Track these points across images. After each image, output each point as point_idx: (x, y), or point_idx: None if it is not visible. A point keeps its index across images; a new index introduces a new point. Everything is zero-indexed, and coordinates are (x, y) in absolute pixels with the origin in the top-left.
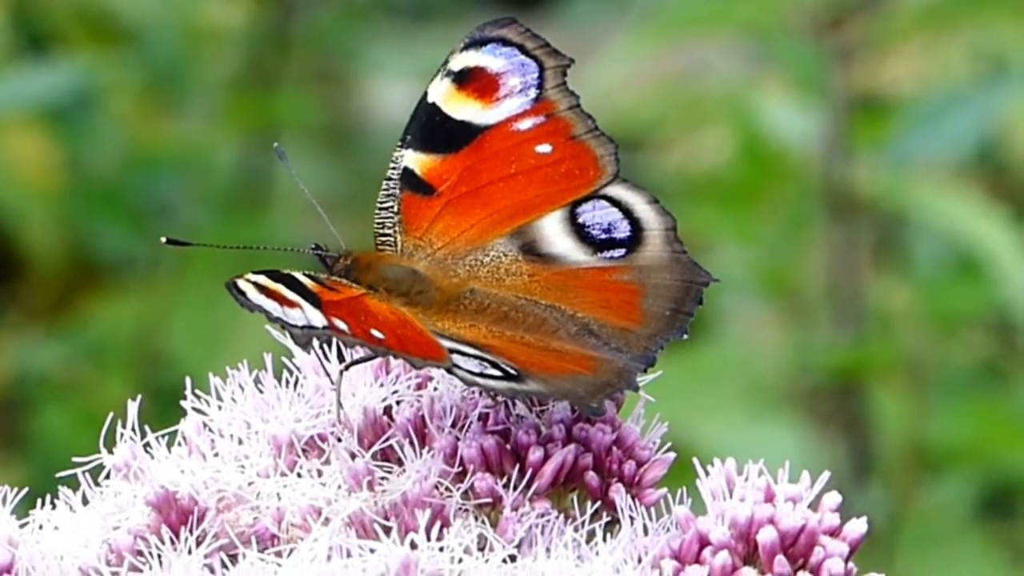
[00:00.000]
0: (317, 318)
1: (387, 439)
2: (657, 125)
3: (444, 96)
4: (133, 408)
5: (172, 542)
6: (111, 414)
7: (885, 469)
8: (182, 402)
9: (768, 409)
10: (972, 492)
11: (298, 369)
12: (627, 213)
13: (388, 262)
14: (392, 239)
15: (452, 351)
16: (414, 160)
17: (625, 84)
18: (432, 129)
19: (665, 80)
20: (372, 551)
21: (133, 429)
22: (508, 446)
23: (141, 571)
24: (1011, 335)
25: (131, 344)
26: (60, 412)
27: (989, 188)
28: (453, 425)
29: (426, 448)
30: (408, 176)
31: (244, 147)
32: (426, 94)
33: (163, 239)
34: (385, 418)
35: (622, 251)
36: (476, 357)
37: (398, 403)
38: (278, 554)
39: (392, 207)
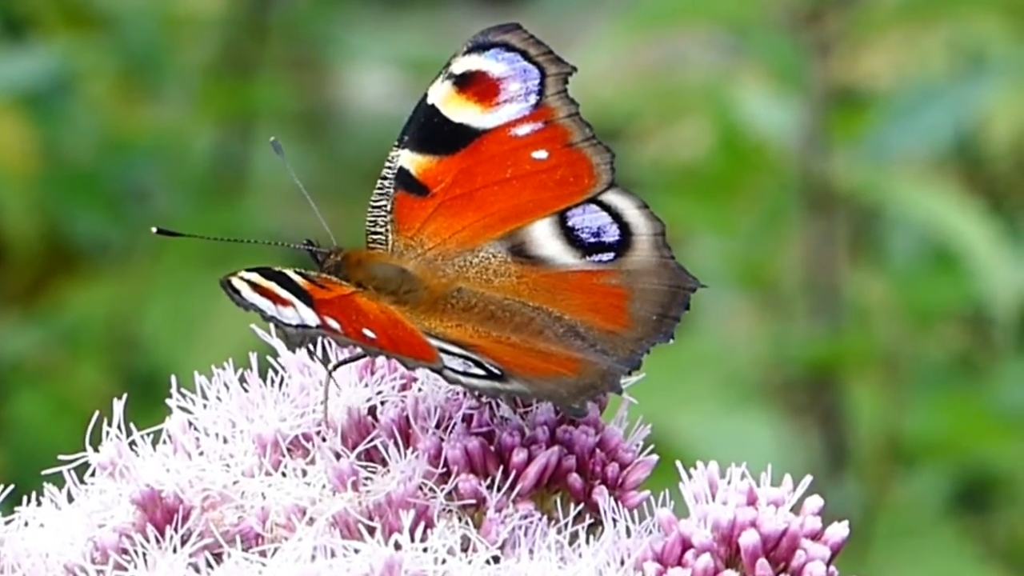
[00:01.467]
0: (310, 317)
1: (372, 439)
2: (634, 116)
3: (444, 98)
4: (119, 406)
5: (157, 540)
6: (89, 404)
7: (860, 462)
8: (161, 395)
9: (744, 401)
10: (946, 485)
11: (283, 368)
12: (616, 217)
13: (378, 260)
14: (383, 238)
15: (439, 350)
16: (410, 161)
17: (603, 76)
18: (430, 131)
19: (643, 72)
20: (356, 551)
21: (119, 426)
22: (492, 447)
23: (126, 569)
24: (986, 329)
25: (106, 330)
26: (34, 398)
27: (965, 182)
28: (437, 426)
29: (410, 449)
30: (403, 176)
31: (220, 134)
32: (426, 96)
33: (153, 229)
34: (369, 418)
35: (611, 255)
36: (461, 356)
37: (382, 403)
38: (262, 553)
39: (385, 206)
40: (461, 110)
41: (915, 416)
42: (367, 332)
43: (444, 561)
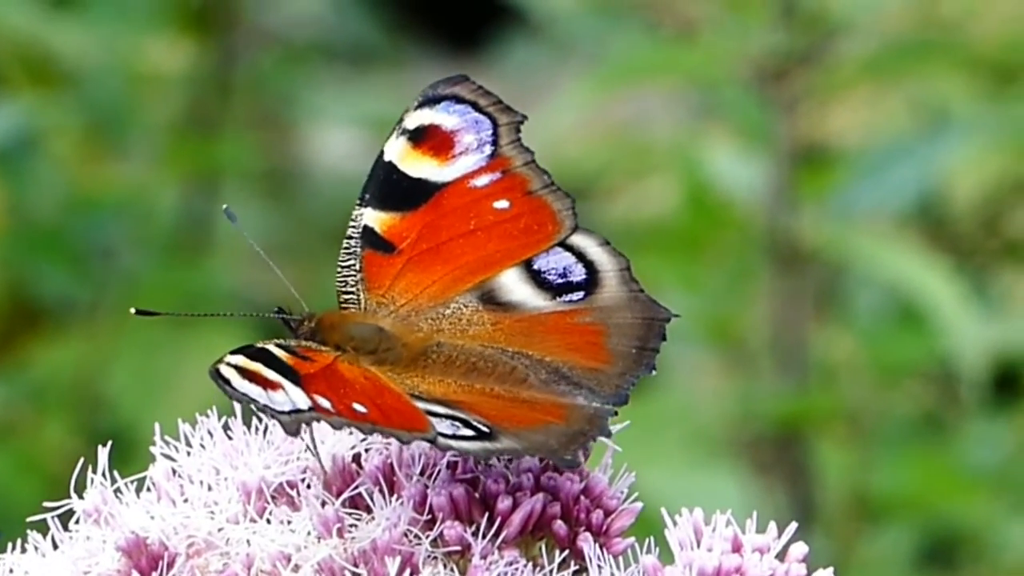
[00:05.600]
0: (301, 399)
1: (357, 487)
2: (602, 174)
3: (400, 154)
4: (103, 453)
5: None
6: (54, 462)
7: (827, 518)
8: (127, 453)
9: (711, 457)
10: (913, 542)
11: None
12: (580, 257)
13: (353, 320)
14: (355, 297)
15: (426, 413)
16: (374, 218)
17: (570, 133)
18: (390, 187)
19: (610, 129)
20: None
21: (103, 474)
22: (477, 494)
23: None
24: (952, 386)
25: (71, 388)
26: None
27: (929, 241)
28: (422, 473)
29: (395, 496)
30: (368, 234)
31: (185, 191)
32: (382, 153)
33: (132, 310)
34: (354, 466)
35: (580, 294)
36: (448, 416)
37: (367, 451)
38: None
39: (354, 265)
40: (418, 165)
41: (882, 473)
42: (357, 407)
43: None
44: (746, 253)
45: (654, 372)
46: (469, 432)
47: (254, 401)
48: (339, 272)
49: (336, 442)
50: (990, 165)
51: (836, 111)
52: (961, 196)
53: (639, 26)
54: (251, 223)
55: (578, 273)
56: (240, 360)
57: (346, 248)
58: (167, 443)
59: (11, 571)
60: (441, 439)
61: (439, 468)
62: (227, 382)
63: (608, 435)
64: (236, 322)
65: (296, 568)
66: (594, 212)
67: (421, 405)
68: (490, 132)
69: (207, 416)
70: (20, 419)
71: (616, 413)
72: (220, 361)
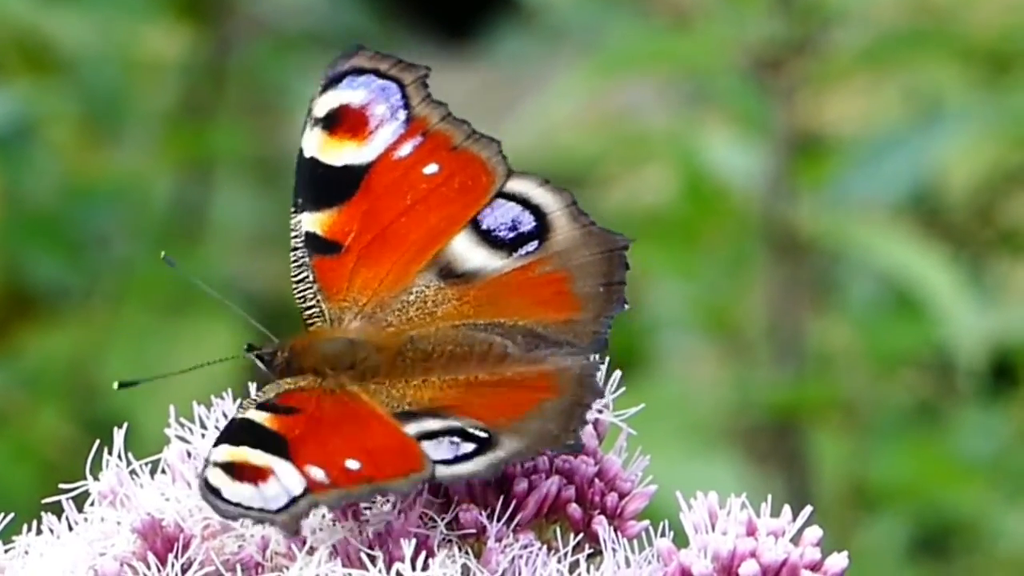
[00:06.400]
0: (294, 481)
1: None
2: (598, 163)
3: (319, 146)
4: (119, 435)
5: (158, 569)
6: (48, 450)
7: (823, 508)
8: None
9: (706, 447)
10: (909, 531)
11: None
12: (525, 203)
13: (322, 338)
14: (318, 309)
15: (419, 437)
16: (312, 221)
17: (565, 122)
18: (318, 184)
19: (605, 118)
20: None
21: (119, 456)
22: None
23: None
24: (949, 375)
25: (66, 375)
26: None
27: (924, 230)
28: None
29: None
30: (312, 240)
31: (180, 179)
32: (301, 151)
33: (115, 384)
34: None
35: (534, 243)
36: (444, 432)
37: None
38: None
39: (307, 276)
40: (339, 152)
41: (878, 462)
42: (350, 464)
43: None
44: (742, 241)
45: (626, 306)
46: (470, 447)
47: (248, 513)
48: (295, 287)
49: None
50: (985, 154)
51: (832, 100)
52: (956, 185)
53: (632, 15)
54: (244, 211)
55: (527, 222)
56: (225, 454)
57: (295, 261)
58: (181, 424)
59: (26, 553)
60: (441, 470)
61: None
62: (218, 495)
63: (601, 395)
64: (227, 313)
65: (311, 551)
66: (590, 201)
67: (413, 428)
68: (399, 96)
69: (200, 403)
70: (14, 407)
71: (602, 356)
72: (207, 464)
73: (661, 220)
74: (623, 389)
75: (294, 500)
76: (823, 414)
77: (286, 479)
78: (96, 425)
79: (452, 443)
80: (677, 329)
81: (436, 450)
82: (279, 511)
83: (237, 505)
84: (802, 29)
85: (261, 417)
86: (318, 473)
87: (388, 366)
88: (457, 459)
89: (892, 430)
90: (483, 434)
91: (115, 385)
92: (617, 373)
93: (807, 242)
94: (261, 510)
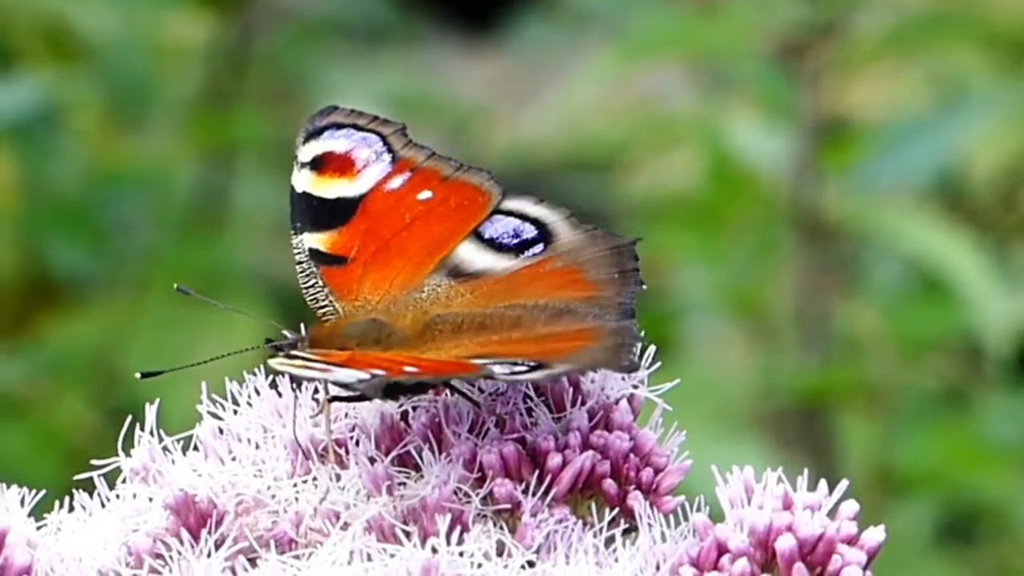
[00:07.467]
0: (357, 374)
1: (406, 444)
2: (624, 148)
3: (310, 184)
4: (152, 411)
5: (192, 545)
6: (72, 437)
7: (850, 492)
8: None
9: (734, 431)
10: (936, 516)
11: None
12: (524, 217)
13: (344, 323)
14: (331, 308)
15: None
16: (314, 240)
17: (591, 107)
18: (314, 212)
19: (630, 103)
20: (393, 555)
21: (151, 432)
22: (526, 452)
23: (160, 574)
24: (976, 360)
25: (90, 363)
26: (17, 430)
27: (948, 215)
28: (470, 431)
29: (444, 453)
30: (316, 254)
31: (203, 166)
32: (293, 187)
33: (137, 374)
34: (402, 424)
35: (540, 247)
36: (492, 363)
37: (414, 409)
38: (297, 557)
39: (316, 283)
40: (330, 187)
41: (904, 447)
42: (408, 368)
43: (480, 565)
44: (768, 226)
45: (644, 286)
46: (522, 368)
47: (336, 382)
48: (306, 292)
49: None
50: (1009, 141)
51: (857, 85)
52: (980, 171)
53: (656, 0)
54: (266, 198)
55: (529, 231)
56: (281, 363)
57: (302, 271)
58: (213, 401)
59: (58, 530)
60: (500, 371)
61: (487, 426)
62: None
63: (639, 340)
64: (252, 300)
65: (345, 526)
66: (616, 186)
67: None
68: (381, 143)
69: (257, 373)
70: (38, 394)
71: (634, 322)
72: (275, 359)
73: (687, 205)
74: (659, 364)
75: (363, 380)
76: (850, 399)
77: (348, 374)
78: (119, 413)
79: (507, 364)
80: (704, 314)
81: (493, 368)
82: (361, 382)
83: (316, 375)
84: (827, 14)
85: (307, 353)
86: (379, 372)
87: (416, 337)
88: (512, 373)
89: (919, 415)
90: (533, 364)
91: (137, 375)
92: (652, 348)
93: (833, 227)
94: (346, 381)
